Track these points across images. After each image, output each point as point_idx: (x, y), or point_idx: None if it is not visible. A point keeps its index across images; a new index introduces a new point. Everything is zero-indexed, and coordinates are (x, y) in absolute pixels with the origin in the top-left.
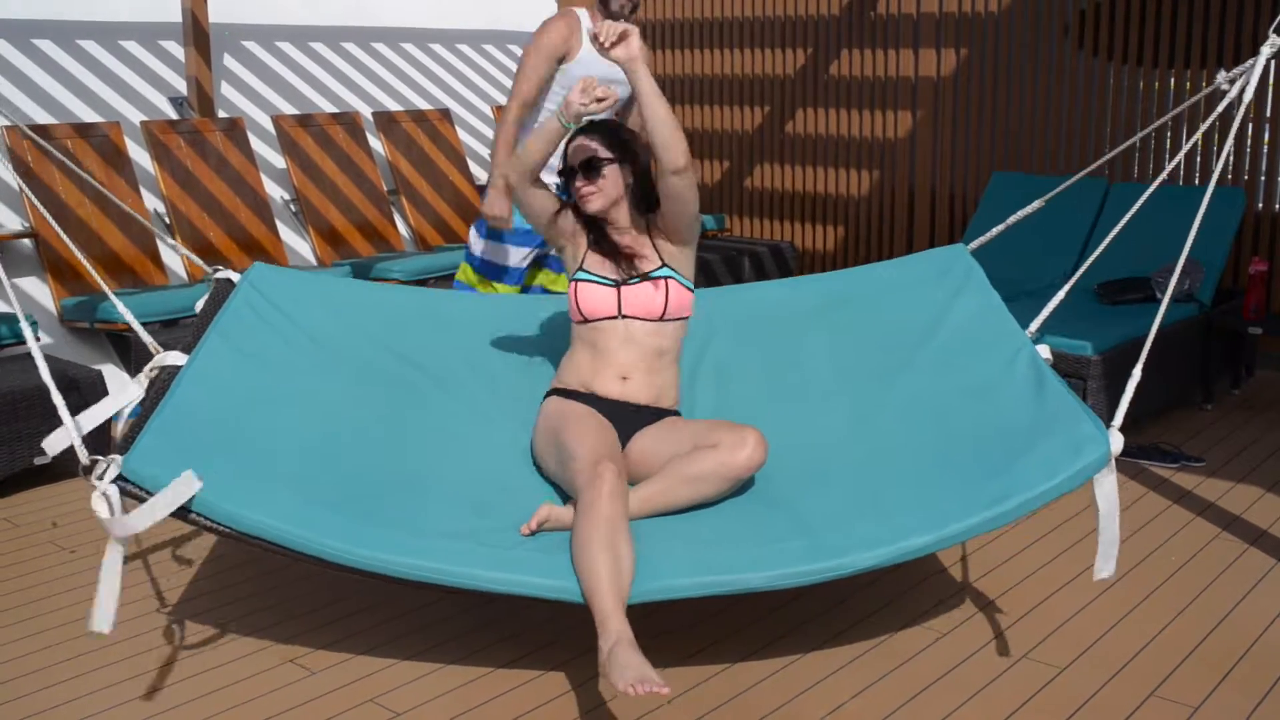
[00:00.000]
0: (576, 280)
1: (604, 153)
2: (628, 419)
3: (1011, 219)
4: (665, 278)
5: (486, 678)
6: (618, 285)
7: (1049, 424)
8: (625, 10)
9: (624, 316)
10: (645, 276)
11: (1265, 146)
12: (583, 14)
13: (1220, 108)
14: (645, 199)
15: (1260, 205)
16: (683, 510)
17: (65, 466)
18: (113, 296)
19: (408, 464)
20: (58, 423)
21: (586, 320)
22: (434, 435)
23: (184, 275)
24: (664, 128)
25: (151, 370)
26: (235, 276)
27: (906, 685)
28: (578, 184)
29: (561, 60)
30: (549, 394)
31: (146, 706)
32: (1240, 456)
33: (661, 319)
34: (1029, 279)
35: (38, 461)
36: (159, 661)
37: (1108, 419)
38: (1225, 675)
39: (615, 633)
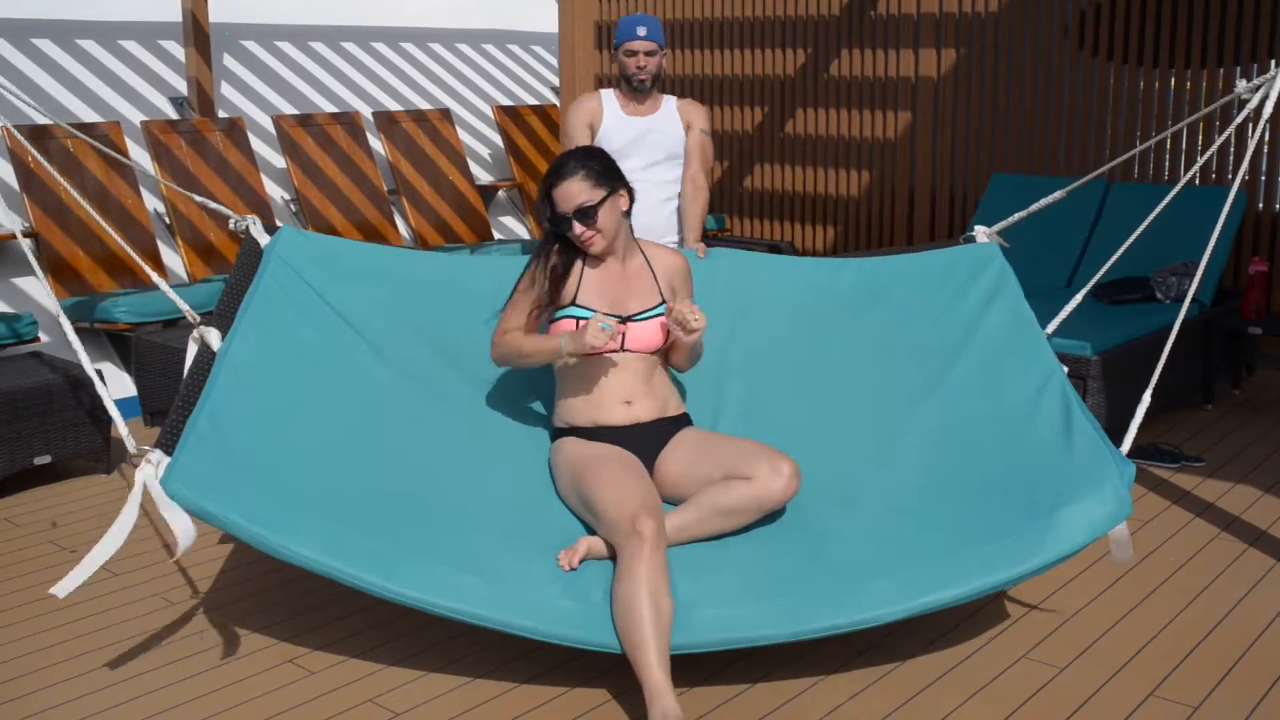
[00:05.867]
0: (573, 317)
1: (594, 193)
2: (644, 440)
3: (1034, 206)
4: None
5: (485, 678)
6: (623, 322)
7: (1077, 478)
8: (646, 83)
9: (624, 350)
10: (649, 312)
11: (1265, 146)
12: (608, 93)
13: (1240, 117)
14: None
15: (1260, 205)
16: (713, 537)
17: (65, 466)
18: (156, 277)
19: (441, 478)
20: (57, 421)
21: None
22: (468, 442)
23: (184, 275)
24: (691, 364)
25: (194, 339)
26: (263, 237)
27: (906, 685)
28: (576, 231)
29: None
30: (557, 435)
31: (146, 706)
32: (1240, 456)
33: (658, 352)
34: (1029, 279)
35: (38, 462)
36: (159, 661)
37: (1107, 420)
38: (1225, 675)
39: (664, 712)
